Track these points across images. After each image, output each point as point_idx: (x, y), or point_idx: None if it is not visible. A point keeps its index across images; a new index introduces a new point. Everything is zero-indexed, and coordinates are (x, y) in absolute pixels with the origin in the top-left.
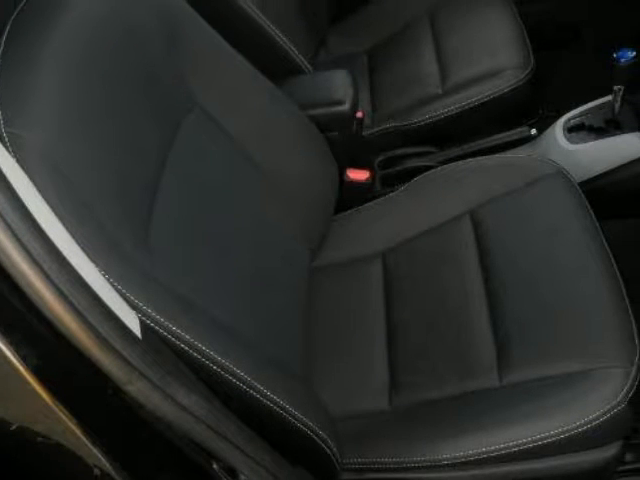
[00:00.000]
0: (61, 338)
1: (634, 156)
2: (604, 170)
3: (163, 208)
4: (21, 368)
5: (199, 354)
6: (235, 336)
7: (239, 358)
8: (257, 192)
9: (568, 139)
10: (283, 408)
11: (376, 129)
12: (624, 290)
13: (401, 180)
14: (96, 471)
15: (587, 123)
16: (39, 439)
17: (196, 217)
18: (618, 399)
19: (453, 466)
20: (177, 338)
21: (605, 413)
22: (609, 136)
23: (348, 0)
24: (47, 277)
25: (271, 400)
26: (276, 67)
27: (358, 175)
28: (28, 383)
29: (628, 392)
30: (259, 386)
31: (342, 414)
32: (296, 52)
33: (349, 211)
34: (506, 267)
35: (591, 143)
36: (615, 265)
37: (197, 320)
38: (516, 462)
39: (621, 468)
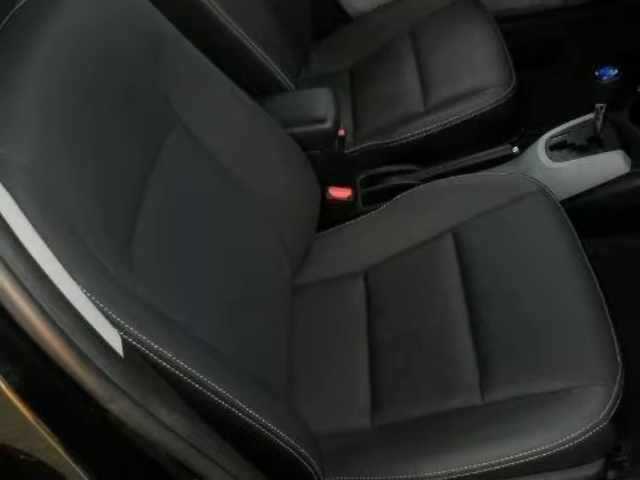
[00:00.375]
0: (43, 356)
1: (616, 174)
2: (586, 188)
3: (145, 226)
4: (3, 386)
5: (181, 372)
6: (217, 354)
7: (221, 376)
8: (238, 210)
9: (550, 157)
10: (265, 426)
11: (358, 147)
12: (606, 308)
13: (383, 198)
14: None
15: (569, 141)
16: (21, 457)
17: (178, 235)
18: (600, 417)
19: None
20: (159, 356)
21: (587, 431)
22: (591, 154)
23: (330, 18)
24: (29, 295)
25: (253, 418)
26: (258, 85)
27: (340, 193)
28: (10, 401)
29: (610, 410)
30: (241, 404)
31: (324, 432)
32: (278, 70)
33: (331, 229)
34: (488, 285)
35: (573, 161)
36: (597, 283)
37: (179, 338)
38: None
39: None
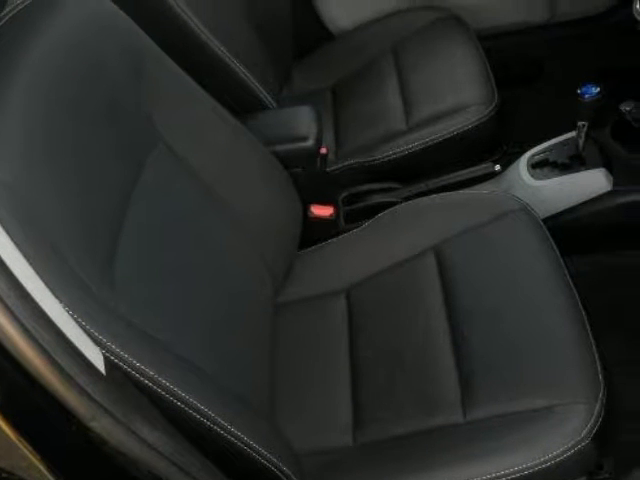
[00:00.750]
0: (25, 374)
1: (598, 192)
2: (568, 206)
3: (127, 244)
4: None
5: (163, 390)
6: (199, 372)
7: (202, 394)
8: (220, 228)
9: (532, 175)
10: (247, 444)
11: (340, 165)
12: (588, 326)
13: (365, 216)
14: None
15: (551, 159)
16: (3, 475)
17: (160, 253)
18: (582, 435)
19: None
20: (141, 374)
21: (569, 449)
22: (573, 172)
23: (312, 36)
24: (11, 313)
25: (235, 436)
26: (240, 103)
27: (322, 211)
28: None
29: (592, 428)
30: (223, 422)
31: (306, 450)
32: (260, 88)
33: (313, 247)
34: (470, 303)
35: (555, 179)
36: (579, 301)
37: (160, 356)
38: None
39: None
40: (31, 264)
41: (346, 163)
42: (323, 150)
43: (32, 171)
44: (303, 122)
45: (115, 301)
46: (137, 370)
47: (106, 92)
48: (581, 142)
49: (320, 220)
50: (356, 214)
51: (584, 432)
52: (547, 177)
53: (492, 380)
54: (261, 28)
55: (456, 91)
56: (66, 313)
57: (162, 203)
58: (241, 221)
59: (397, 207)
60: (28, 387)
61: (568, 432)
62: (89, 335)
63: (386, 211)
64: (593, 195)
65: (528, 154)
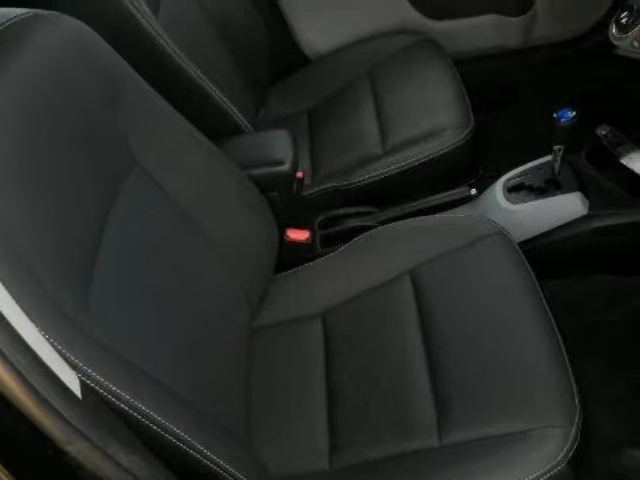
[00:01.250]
0: (0, 398)
1: (574, 216)
2: (544, 230)
3: (103, 269)
4: None
5: (139, 414)
6: (174, 396)
7: (178, 418)
8: (197, 252)
9: (508, 199)
10: (223, 468)
11: (316, 189)
12: (564, 350)
13: (341, 240)
14: None
15: (527, 183)
16: None
17: (136, 278)
18: (558, 459)
19: None
20: (117, 398)
21: (545, 473)
22: (549, 196)
23: (288, 60)
24: None
25: (211, 460)
26: (216, 127)
27: (298, 235)
28: None
29: (568, 452)
30: (199, 446)
31: (283, 474)
32: (236, 112)
33: (289, 271)
34: (446, 327)
35: (531, 203)
36: (555, 325)
37: (136, 380)
38: None
39: None
40: (6, 288)
41: (322, 187)
42: (299, 174)
43: (7, 195)
44: (279, 146)
45: (91, 325)
46: (113, 394)
47: (82, 117)
48: (557, 166)
49: (296, 244)
50: (332, 238)
51: (560, 456)
52: (523, 201)
53: (468, 404)
54: (237, 52)
55: (432, 115)
56: (42, 337)
57: (138, 227)
58: (217, 245)
59: (373, 231)
60: (4, 411)
61: (544, 456)
62: (65, 359)
63: (362, 235)
64: (569, 219)
65: (504, 178)
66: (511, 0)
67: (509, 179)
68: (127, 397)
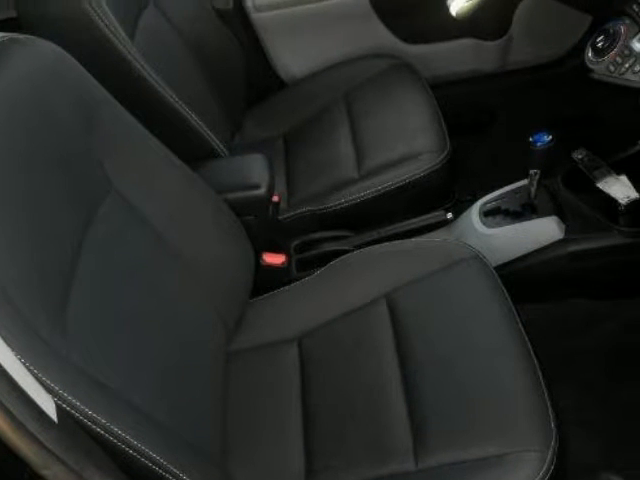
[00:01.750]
0: None
1: (550, 240)
2: (520, 254)
3: (79, 293)
4: None
5: (115, 438)
6: (151, 420)
7: (154, 442)
8: (172, 277)
9: (484, 223)
10: None
11: (292, 213)
12: (540, 374)
13: (317, 264)
14: None
15: (503, 207)
16: None
17: (112, 302)
18: None
19: None
20: (93, 422)
21: None
22: (525, 220)
23: (264, 84)
24: None
25: None
26: (192, 151)
27: (274, 259)
28: None
29: (544, 476)
30: (175, 470)
31: None
32: (212, 136)
33: (265, 295)
34: (422, 351)
35: (507, 227)
36: (531, 349)
37: (112, 404)
38: None
39: None
40: None
41: (298, 211)
42: (275, 198)
43: None
44: (255, 170)
45: (67, 348)
46: (89, 418)
47: (58, 141)
48: (533, 190)
49: (272, 268)
50: (308, 262)
51: None
52: (499, 225)
53: (444, 428)
54: (213, 76)
55: (408, 139)
56: (18, 361)
57: (114, 251)
58: (193, 269)
59: (349, 255)
60: None
61: None
62: (41, 383)
63: (338, 259)
64: (545, 243)
65: (480, 202)
66: (487, 24)
67: (485, 203)
68: (103, 421)
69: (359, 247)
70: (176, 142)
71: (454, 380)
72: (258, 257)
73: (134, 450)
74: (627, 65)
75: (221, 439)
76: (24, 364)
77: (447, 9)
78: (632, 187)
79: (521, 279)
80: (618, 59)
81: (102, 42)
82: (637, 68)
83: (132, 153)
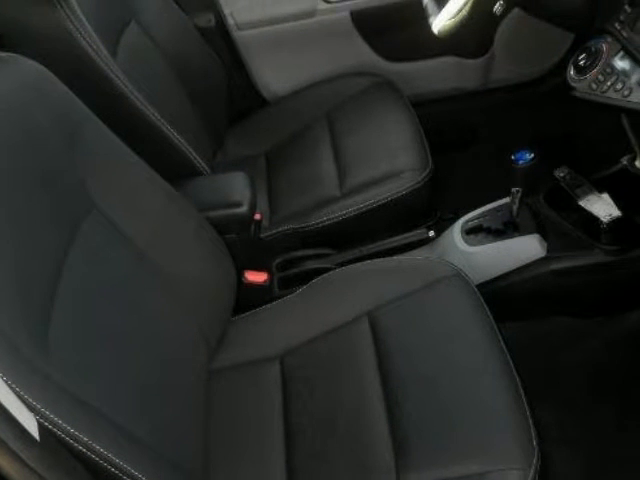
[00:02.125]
0: None
1: (532, 258)
2: (502, 272)
3: (61, 310)
4: None
5: (97, 456)
6: (132, 438)
7: (136, 460)
8: (154, 295)
9: (466, 241)
10: None
11: (274, 231)
12: (522, 392)
13: (299, 282)
14: None
15: (485, 225)
16: None
17: (94, 320)
18: None
19: None
20: (74, 440)
21: None
22: (507, 238)
23: (246, 102)
24: None
25: None
26: (174, 169)
27: (256, 277)
28: None
29: None
30: None
31: None
32: (194, 154)
33: (247, 313)
34: (404, 369)
35: (489, 245)
36: (513, 367)
37: (94, 422)
38: None
39: None
40: None
41: (280, 229)
42: (257, 216)
43: None
44: (237, 188)
45: (49, 366)
46: (71, 436)
47: (40, 159)
48: (515, 208)
49: (254, 286)
50: (290, 280)
51: None
52: (481, 243)
53: (426, 446)
54: (195, 94)
55: (390, 157)
56: (0, 379)
57: (96, 269)
58: (175, 287)
59: (331, 273)
60: None
61: None
62: (23, 401)
63: (320, 277)
64: (527, 261)
65: (462, 220)
66: (469, 42)
67: (467, 221)
68: (85, 439)
69: (341, 265)
70: (158, 160)
71: (436, 398)
72: (240, 275)
73: (116, 468)
74: (609, 83)
75: (203, 457)
76: (6, 382)
77: (429, 27)
78: (614, 205)
79: (503, 297)
80: (600, 77)
81: (84, 60)
82: (619, 86)
83: (114, 171)
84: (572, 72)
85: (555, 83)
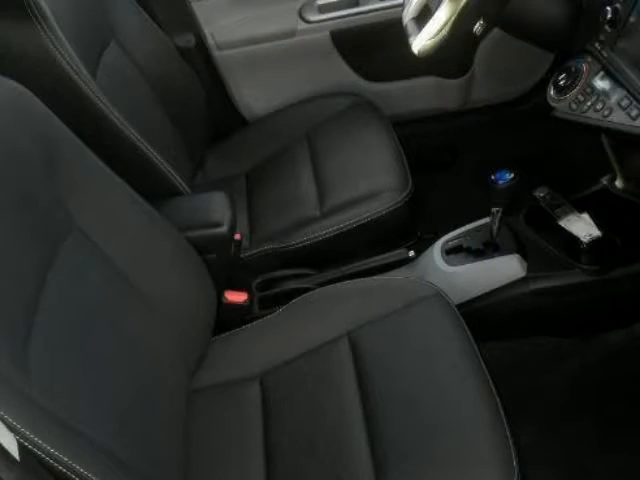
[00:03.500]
0: None
1: (512, 278)
2: (482, 292)
3: (41, 330)
4: None
5: (77, 476)
6: (112, 458)
7: None
8: (133, 315)
9: (446, 261)
10: None
11: (254, 251)
12: (502, 411)
13: (279, 302)
14: None
15: (465, 245)
16: None
17: (74, 339)
18: None
19: None
20: (55, 460)
21: None
22: (487, 258)
23: (226, 122)
24: None
25: None
26: (154, 189)
27: (236, 297)
28: None
29: None
30: None
31: None
32: (174, 173)
33: (227, 333)
34: (384, 388)
35: (469, 265)
36: (493, 386)
37: (75, 442)
38: None
39: None
40: None
41: (260, 249)
42: (237, 236)
43: None
44: (217, 208)
45: (29, 386)
46: (51, 456)
47: (19, 179)
48: (495, 228)
49: (234, 306)
50: (270, 300)
51: None
52: (461, 263)
53: (406, 465)
54: (175, 114)
55: (370, 177)
56: None
57: (76, 288)
58: (155, 307)
59: (311, 293)
60: None
61: None
62: (2, 420)
63: (300, 297)
64: (507, 281)
65: (442, 240)
66: (449, 63)
67: (447, 241)
68: (65, 459)
69: (321, 285)
70: (138, 179)
71: (415, 418)
72: (220, 295)
73: None
74: (589, 103)
75: (183, 476)
76: None
77: (409, 48)
78: (594, 225)
79: (483, 317)
80: (580, 97)
81: (64, 80)
82: (599, 106)
83: (94, 191)
84: (552, 92)
85: (535, 103)
